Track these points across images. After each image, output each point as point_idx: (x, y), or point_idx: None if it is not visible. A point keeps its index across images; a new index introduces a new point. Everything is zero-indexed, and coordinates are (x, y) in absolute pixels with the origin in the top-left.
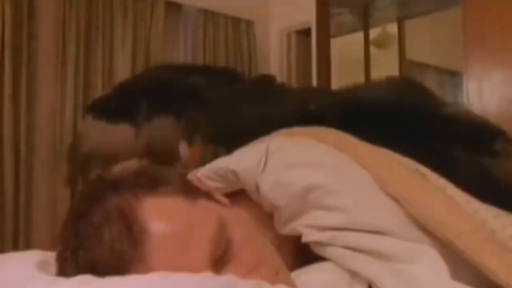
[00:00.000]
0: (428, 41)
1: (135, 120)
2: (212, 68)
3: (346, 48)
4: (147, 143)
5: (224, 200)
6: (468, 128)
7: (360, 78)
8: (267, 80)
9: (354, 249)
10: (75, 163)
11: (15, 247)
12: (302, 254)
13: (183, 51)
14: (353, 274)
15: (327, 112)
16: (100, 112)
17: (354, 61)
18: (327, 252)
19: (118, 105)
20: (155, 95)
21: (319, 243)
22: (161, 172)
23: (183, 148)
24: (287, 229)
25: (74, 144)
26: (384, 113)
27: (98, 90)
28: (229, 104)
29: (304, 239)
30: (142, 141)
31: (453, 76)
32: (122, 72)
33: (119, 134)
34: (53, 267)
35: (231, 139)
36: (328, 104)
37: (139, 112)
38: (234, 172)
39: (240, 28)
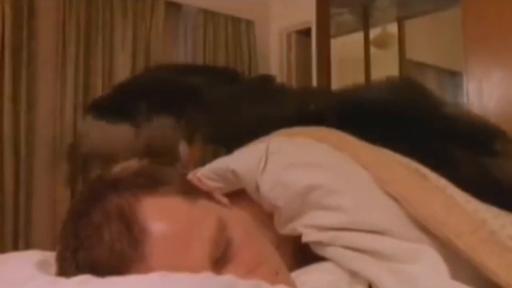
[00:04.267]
0: (428, 41)
1: (135, 120)
2: (212, 68)
3: (346, 48)
4: (147, 143)
5: (224, 200)
6: (467, 129)
7: (360, 78)
8: (267, 80)
9: (354, 249)
10: (75, 163)
11: (15, 247)
12: (302, 254)
13: (183, 51)
14: (353, 274)
15: (327, 113)
16: (100, 112)
17: (354, 61)
18: (327, 252)
19: (118, 105)
20: (155, 95)
21: (319, 243)
22: (161, 172)
23: (183, 148)
24: (287, 229)
25: (74, 144)
26: (384, 113)
27: (98, 90)
28: (229, 104)
29: (304, 239)
30: (142, 141)
31: (453, 76)
32: (122, 72)
33: (119, 134)
34: (53, 267)
35: (231, 140)
36: (327, 105)
37: (139, 112)
38: (234, 172)
39: (240, 28)
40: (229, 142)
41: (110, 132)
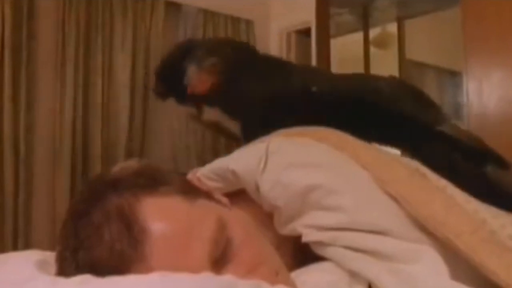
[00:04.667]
0: (428, 41)
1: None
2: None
3: (346, 48)
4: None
5: (224, 200)
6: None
7: None
8: (273, 57)
9: (354, 249)
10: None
11: (15, 247)
12: (302, 254)
13: None
14: (353, 274)
15: (327, 98)
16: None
17: (354, 61)
18: (327, 252)
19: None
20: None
21: (319, 243)
22: (161, 172)
23: (193, 70)
24: (287, 229)
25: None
26: (385, 108)
27: (98, 90)
28: (239, 71)
29: (304, 239)
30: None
31: (453, 76)
32: (122, 72)
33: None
34: (53, 267)
35: (236, 109)
36: (329, 90)
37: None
38: (234, 172)
39: (240, 28)
40: (235, 111)
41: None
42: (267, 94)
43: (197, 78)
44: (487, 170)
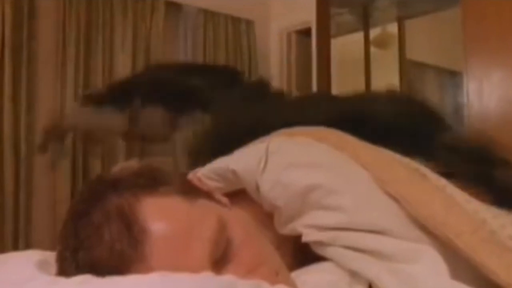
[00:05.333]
0: (428, 41)
1: (128, 110)
2: (212, 68)
3: (346, 48)
4: (137, 130)
5: (224, 200)
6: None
7: (360, 78)
8: (265, 84)
9: (354, 249)
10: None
11: (15, 247)
12: (302, 254)
13: (183, 51)
14: (353, 274)
15: (325, 124)
16: (94, 101)
17: (354, 61)
18: (327, 252)
19: (113, 97)
20: (152, 93)
21: (319, 243)
22: (161, 172)
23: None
24: (287, 229)
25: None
26: (385, 129)
27: None
28: (227, 108)
29: (304, 239)
30: (125, 122)
31: (453, 76)
32: (122, 72)
33: (109, 120)
34: (53, 267)
35: (227, 143)
36: (326, 116)
37: (133, 105)
38: (234, 172)
39: (240, 28)
40: (225, 146)
41: (95, 116)
42: (257, 127)
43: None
44: (495, 174)
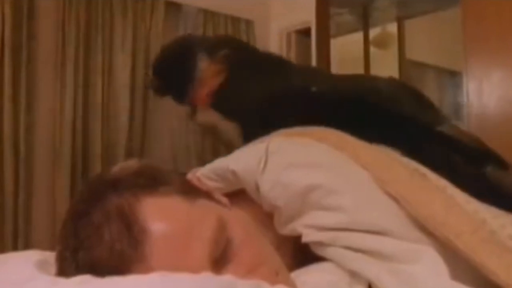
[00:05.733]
0: (428, 41)
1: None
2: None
3: (346, 48)
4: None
5: (224, 200)
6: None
7: None
8: (271, 55)
9: (354, 249)
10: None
11: (15, 247)
12: (302, 254)
13: None
14: (353, 274)
15: (327, 99)
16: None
17: (354, 61)
18: (327, 252)
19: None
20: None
21: (319, 243)
22: (161, 172)
23: (204, 61)
24: (287, 229)
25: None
26: (385, 110)
27: (98, 90)
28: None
29: (304, 239)
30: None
31: (453, 76)
32: (122, 72)
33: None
34: (53, 267)
35: (238, 110)
36: (329, 90)
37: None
38: (234, 172)
39: (240, 28)
40: (234, 112)
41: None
42: (267, 94)
43: (209, 69)
44: (487, 170)
